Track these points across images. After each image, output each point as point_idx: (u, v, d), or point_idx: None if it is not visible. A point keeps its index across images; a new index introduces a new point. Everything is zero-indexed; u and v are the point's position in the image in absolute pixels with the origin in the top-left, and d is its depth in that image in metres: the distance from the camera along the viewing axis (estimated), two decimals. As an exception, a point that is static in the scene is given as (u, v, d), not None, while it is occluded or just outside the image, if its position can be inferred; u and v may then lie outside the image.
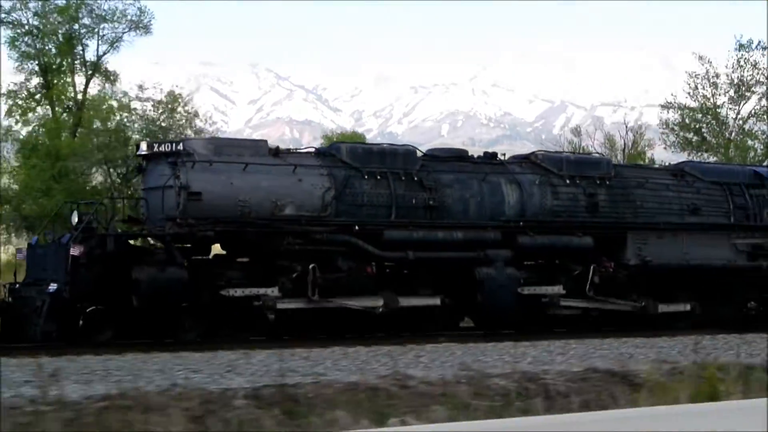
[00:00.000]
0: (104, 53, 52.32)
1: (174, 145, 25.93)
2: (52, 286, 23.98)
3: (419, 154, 28.98)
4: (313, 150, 28.92)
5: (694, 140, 58.25)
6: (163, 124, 52.41)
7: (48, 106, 51.76)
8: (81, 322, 24.32)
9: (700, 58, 58.54)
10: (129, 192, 29.79)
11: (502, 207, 28.58)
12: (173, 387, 14.47)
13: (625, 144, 64.74)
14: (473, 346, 23.08)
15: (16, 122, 51.47)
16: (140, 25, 52.29)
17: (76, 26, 51.28)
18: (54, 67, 51.44)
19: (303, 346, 22.48)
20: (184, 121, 53.65)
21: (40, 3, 51.08)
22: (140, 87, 53.48)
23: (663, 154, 63.59)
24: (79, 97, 52.33)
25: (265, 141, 28.38)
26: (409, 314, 27.40)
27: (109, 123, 50.89)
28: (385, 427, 10.62)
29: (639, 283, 29.89)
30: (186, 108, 54.44)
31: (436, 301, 27.54)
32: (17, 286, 25.46)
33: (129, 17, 51.99)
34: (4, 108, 51.41)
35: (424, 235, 27.39)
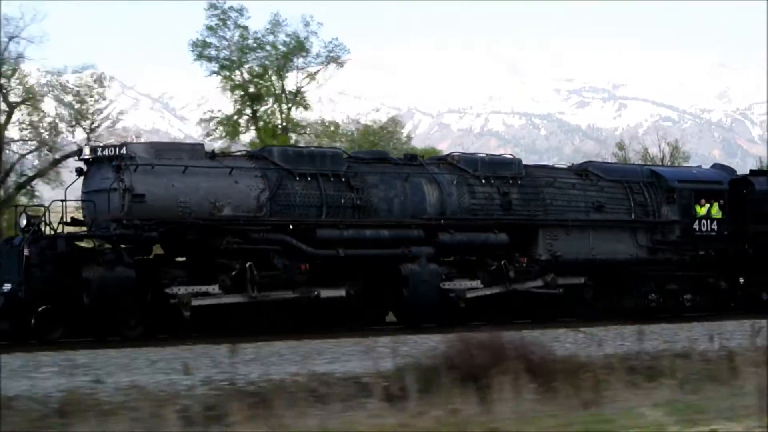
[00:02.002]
0: (301, 85, 58.61)
1: (117, 149, 26.74)
2: (6, 286, 24.70)
3: (345, 156, 30.30)
4: (245, 152, 29.92)
5: None
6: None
7: (254, 131, 56.57)
8: (33, 321, 25.00)
9: None
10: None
11: (423, 206, 29.99)
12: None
13: (663, 156, 68.06)
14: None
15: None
16: (334, 59, 59.12)
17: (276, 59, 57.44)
18: (260, 96, 57.08)
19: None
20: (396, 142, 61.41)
21: (250, 41, 57.40)
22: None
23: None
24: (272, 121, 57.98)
25: (202, 144, 29.43)
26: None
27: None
28: None
29: (549, 276, 31.57)
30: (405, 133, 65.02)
31: (341, 292, 28.68)
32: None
33: (326, 53, 58.89)
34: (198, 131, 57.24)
35: (353, 233, 28.67)
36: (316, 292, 27.84)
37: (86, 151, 27.52)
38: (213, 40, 57.38)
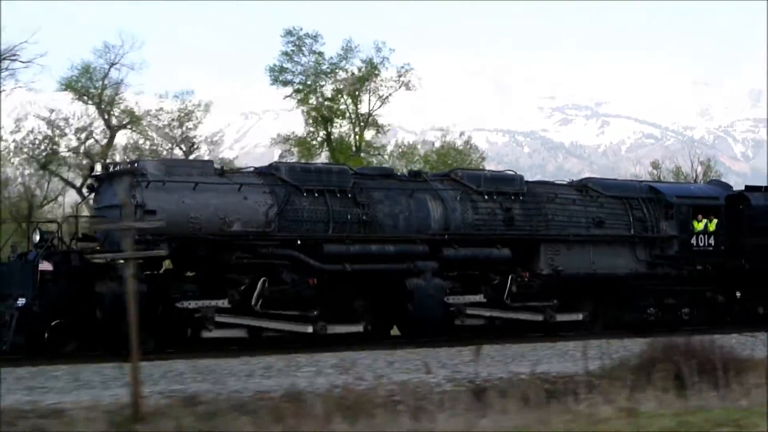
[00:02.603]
0: (374, 108, 61.91)
1: (129, 165, 27.13)
2: (21, 301, 25.01)
3: (351, 172, 30.75)
4: (252, 169, 30.31)
5: None
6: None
7: (328, 152, 59.40)
8: (47, 335, 25.32)
9: None
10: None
11: (428, 221, 30.39)
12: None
13: (696, 175, 69.46)
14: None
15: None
16: (405, 83, 62.34)
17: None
18: (333, 118, 60.21)
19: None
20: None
21: (325, 66, 60.79)
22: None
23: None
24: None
25: (212, 161, 29.88)
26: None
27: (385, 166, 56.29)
28: None
29: (551, 291, 32.00)
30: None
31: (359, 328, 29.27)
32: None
33: (398, 78, 62.32)
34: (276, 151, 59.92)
35: (360, 248, 29.06)
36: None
37: (98, 167, 27.91)
38: (289, 65, 60.78)
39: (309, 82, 60.19)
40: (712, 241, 34.85)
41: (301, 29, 60.60)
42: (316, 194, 28.93)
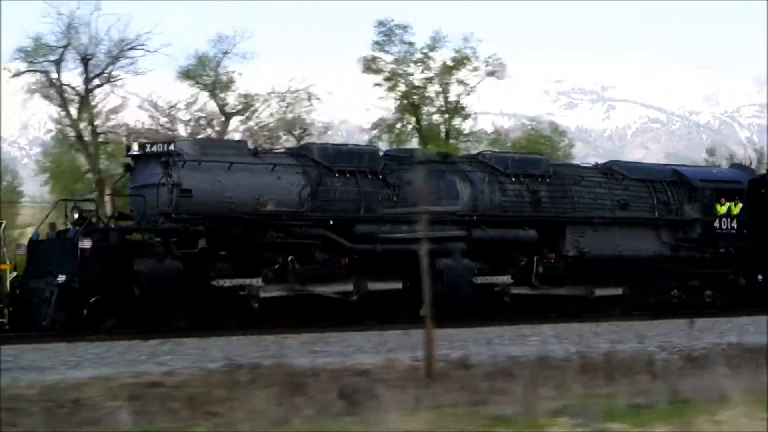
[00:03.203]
0: (462, 96, 61.98)
1: (165, 145, 27.49)
2: (61, 278, 25.39)
3: (381, 153, 31.10)
4: (284, 150, 30.66)
5: None
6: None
7: (418, 138, 60.10)
8: (85, 312, 25.70)
9: None
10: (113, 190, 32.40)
11: (457, 202, 30.72)
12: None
13: (750, 163, 70.30)
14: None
15: None
16: (492, 72, 62.52)
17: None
18: (421, 105, 60.76)
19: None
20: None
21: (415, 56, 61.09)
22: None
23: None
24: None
25: (246, 142, 30.19)
26: (375, 303, 29.42)
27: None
28: None
29: (577, 273, 32.35)
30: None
31: (398, 285, 29.54)
32: (20, 279, 26.80)
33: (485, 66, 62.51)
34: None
35: (390, 228, 29.36)
36: None
37: (135, 147, 28.27)
38: (380, 54, 61.47)
39: (399, 71, 61.11)
40: (734, 224, 35.19)
41: (393, 20, 61.70)
42: (348, 175, 29.28)
